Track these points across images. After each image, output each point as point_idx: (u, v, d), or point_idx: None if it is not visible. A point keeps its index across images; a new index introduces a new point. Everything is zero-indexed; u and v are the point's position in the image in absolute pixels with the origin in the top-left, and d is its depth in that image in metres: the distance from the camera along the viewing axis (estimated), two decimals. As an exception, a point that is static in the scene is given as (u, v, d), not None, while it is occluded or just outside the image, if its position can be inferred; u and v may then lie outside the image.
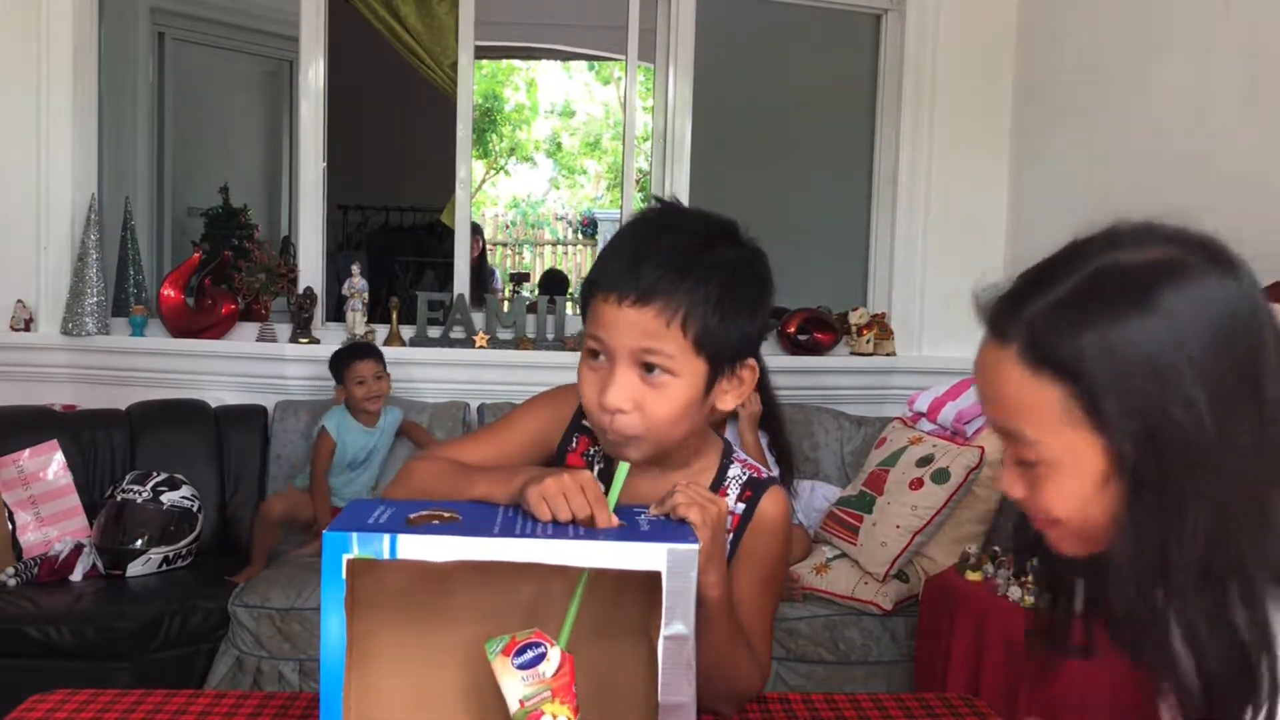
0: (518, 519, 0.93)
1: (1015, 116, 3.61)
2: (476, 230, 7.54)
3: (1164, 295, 0.79)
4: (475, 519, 0.93)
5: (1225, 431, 0.74)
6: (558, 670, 0.89)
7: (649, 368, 1.04)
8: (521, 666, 0.88)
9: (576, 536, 0.89)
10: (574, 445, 1.20)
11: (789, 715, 1.17)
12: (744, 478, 1.17)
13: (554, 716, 0.88)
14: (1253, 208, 2.50)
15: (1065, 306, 0.82)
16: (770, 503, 1.15)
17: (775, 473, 2.94)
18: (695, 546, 0.88)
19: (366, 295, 3.38)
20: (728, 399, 1.09)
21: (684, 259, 1.05)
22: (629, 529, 0.92)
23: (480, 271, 6.44)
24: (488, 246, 10.25)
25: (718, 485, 1.15)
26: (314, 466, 3.00)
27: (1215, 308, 0.78)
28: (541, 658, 0.89)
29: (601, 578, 0.93)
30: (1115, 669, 1.93)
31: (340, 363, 3.05)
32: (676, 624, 0.88)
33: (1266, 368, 0.76)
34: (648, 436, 1.05)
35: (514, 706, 0.88)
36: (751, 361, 1.10)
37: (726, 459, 1.17)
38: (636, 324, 1.02)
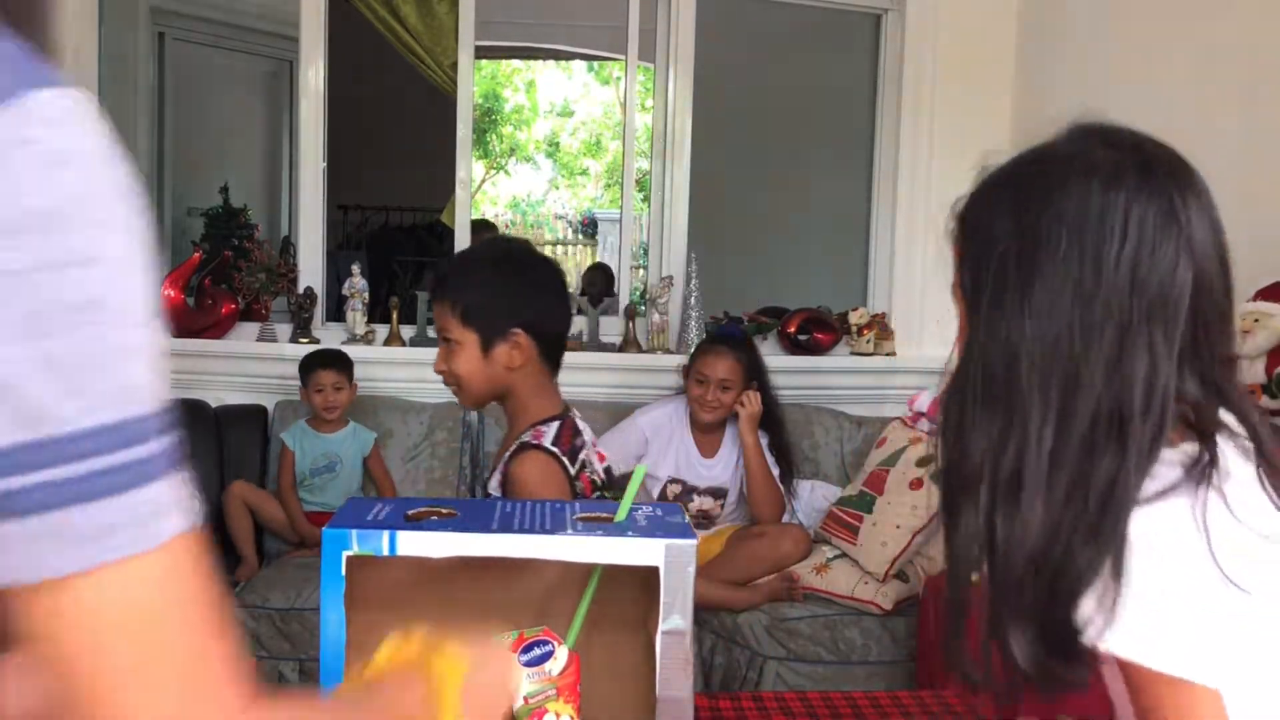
0: (516, 514, 0.93)
1: (1015, 116, 3.61)
2: (490, 229, 7.55)
3: (1051, 195, 0.90)
4: (474, 515, 0.93)
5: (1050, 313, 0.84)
6: (564, 669, 0.89)
7: (446, 340, 1.57)
8: (528, 663, 0.89)
9: (575, 532, 0.89)
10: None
11: (788, 715, 1.17)
12: (519, 442, 1.54)
13: (557, 715, 0.88)
14: (1253, 208, 2.50)
15: (981, 188, 1.01)
16: (516, 465, 1.51)
17: (776, 472, 2.96)
18: (693, 542, 0.88)
19: (367, 295, 3.38)
20: (513, 358, 1.55)
21: (453, 264, 1.72)
22: (628, 524, 0.92)
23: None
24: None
25: (512, 444, 1.57)
26: (279, 478, 3.05)
27: (1084, 207, 0.86)
28: (549, 655, 0.89)
29: (601, 572, 0.93)
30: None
31: (305, 368, 3.08)
32: (674, 618, 0.88)
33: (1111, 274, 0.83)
34: (462, 388, 1.59)
35: (517, 703, 0.88)
36: (517, 330, 1.54)
37: (533, 426, 1.55)
38: (438, 313, 1.59)
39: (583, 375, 3.17)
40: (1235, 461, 0.82)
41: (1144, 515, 0.78)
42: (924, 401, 3.07)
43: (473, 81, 3.54)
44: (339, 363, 3.08)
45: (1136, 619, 0.76)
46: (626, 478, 1.00)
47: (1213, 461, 0.79)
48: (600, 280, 5.68)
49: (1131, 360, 0.81)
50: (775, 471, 2.96)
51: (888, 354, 3.60)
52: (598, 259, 10.33)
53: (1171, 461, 0.80)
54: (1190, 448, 0.81)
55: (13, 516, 0.41)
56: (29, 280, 0.40)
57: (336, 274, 3.88)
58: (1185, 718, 0.77)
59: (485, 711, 0.70)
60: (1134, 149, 0.94)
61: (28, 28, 0.45)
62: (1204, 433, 0.82)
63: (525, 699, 0.88)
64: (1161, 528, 0.77)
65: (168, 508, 0.45)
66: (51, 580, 0.42)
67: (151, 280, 0.47)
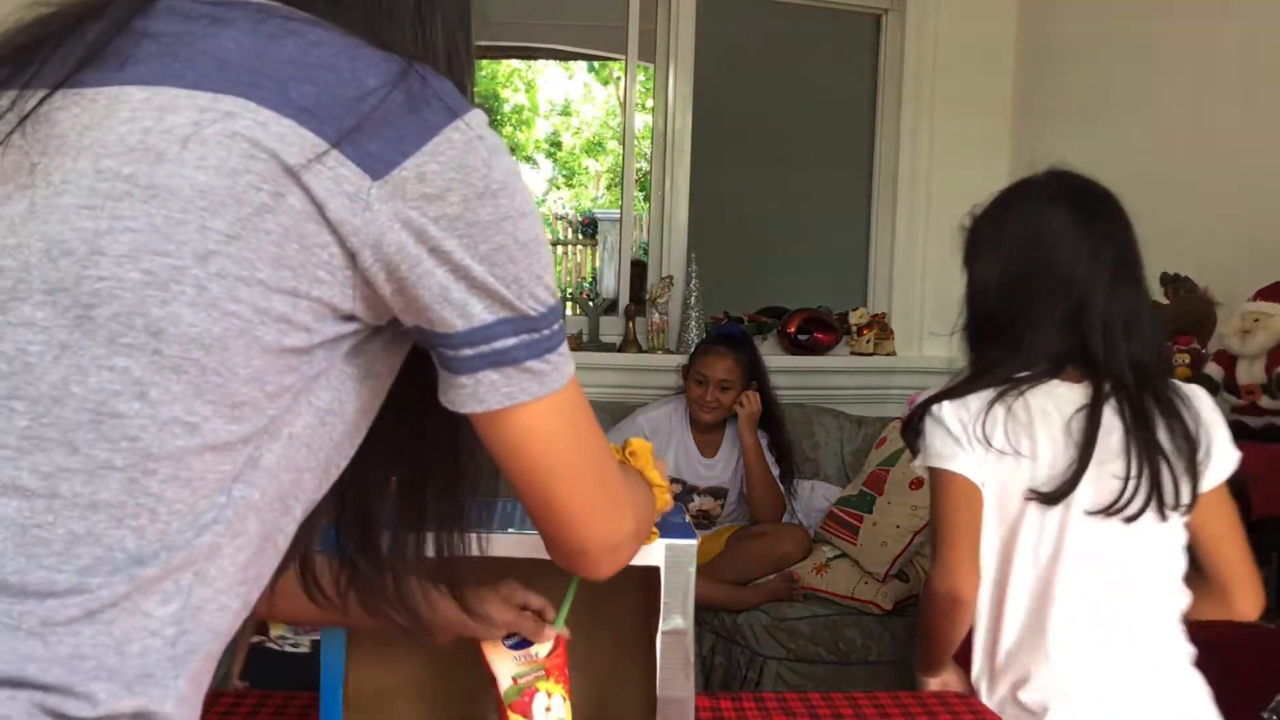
0: (516, 513, 0.93)
1: (1015, 116, 3.61)
2: None
3: (1012, 202, 1.45)
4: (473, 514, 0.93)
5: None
6: (551, 651, 0.90)
7: None
8: (514, 647, 0.89)
9: (575, 532, 0.89)
10: None
11: (788, 715, 1.17)
12: None
13: (548, 694, 0.89)
14: (1252, 208, 2.50)
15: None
16: None
17: (776, 472, 2.96)
18: (693, 542, 0.88)
19: (366, 295, 3.38)
20: None
21: None
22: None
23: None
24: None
25: None
26: None
27: (1028, 222, 1.40)
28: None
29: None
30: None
31: None
32: (674, 618, 0.88)
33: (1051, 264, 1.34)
34: None
35: (505, 684, 0.88)
36: None
37: None
38: None
39: (583, 375, 3.13)
40: (1064, 396, 1.30)
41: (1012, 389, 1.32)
42: (924, 401, 3.06)
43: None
44: None
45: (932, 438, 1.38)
46: None
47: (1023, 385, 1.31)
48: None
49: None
50: (775, 471, 2.96)
51: (888, 354, 3.60)
52: (598, 259, 10.34)
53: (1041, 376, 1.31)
54: (1072, 385, 1.31)
55: (505, 365, 0.64)
56: (499, 226, 0.62)
57: (336, 274, 3.87)
58: (940, 493, 1.40)
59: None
60: (1071, 185, 1.48)
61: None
62: (1069, 374, 1.32)
63: (514, 679, 0.88)
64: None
65: (567, 359, 0.68)
66: (524, 403, 0.65)
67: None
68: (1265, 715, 1.34)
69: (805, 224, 4.51)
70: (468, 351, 0.63)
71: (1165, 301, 2.36)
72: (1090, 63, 3.19)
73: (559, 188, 12.39)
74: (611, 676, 0.97)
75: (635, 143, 3.68)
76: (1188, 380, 2.17)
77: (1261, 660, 1.91)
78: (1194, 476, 1.26)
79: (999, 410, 1.29)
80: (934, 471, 1.38)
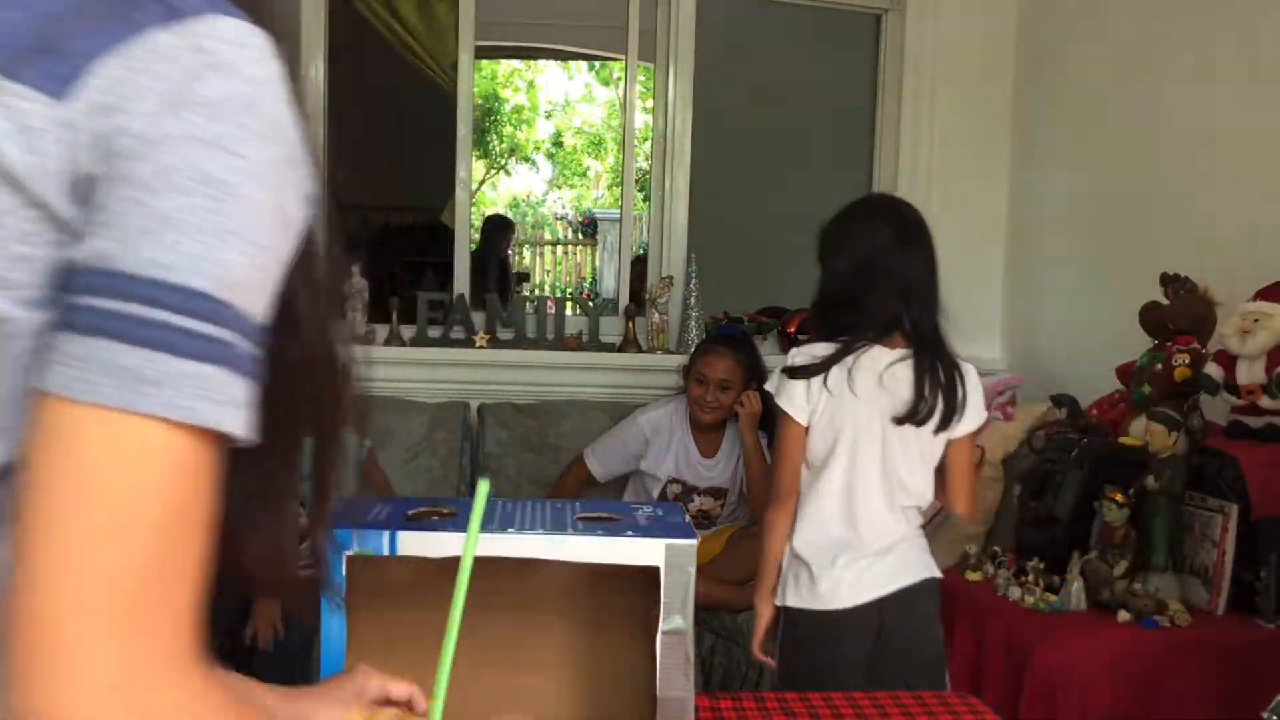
0: (517, 514, 0.94)
1: (1015, 116, 3.61)
2: (508, 226, 7.52)
3: (855, 216, 1.99)
4: (474, 515, 0.93)
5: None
6: None
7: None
8: None
9: (575, 532, 0.89)
10: None
11: (788, 715, 1.17)
12: None
13: None
14: (1252, 208, 2.50)
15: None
16: None
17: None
18: (693, 542, 0.88)
19: (367, 295, 3.38)
20: None
21: None
22: (627, 524, 0.92)
23: (505, 267, 6.46)
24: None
25: None
26: None
27: (868, 228, 1.92)
28: None
29: (601, 572, 0.93)
30: (1115, 670, 1.93)
31: None
32: (675, 619, 0.88)
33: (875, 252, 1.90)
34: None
35: None
36: None
37: None
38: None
39: (583, 375, 3.17)
40: (880, 357, 1.80)
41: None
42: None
43: (473, 81, 3.54)
44: None
45: None
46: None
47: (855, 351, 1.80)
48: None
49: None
50: (775, 471, 2.96)
51: (888, 354, 3.60)
52: (598, 259, 10.34)
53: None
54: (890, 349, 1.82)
55: (74, 330, 0.45)
56: (174, 144, 0.46)
57: (336, 274, 3.87)
58: (784, 430, 1.84)
59: None
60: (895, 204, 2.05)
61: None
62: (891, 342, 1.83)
63: None
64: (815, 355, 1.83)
65: (215, 398, 0.46)
66: (82, 403, 0.44)
67: (290, 229, 0.52)
68: (1265, 715, 1.35)
69: (805, 224, 4.50)
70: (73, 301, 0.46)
71: (1165, 301, 2.36)
72: (1090, 63, 3.18)
73: (559, 188, 12.39)
74: (611, 676, 0.97)
75: (635, 143, 3.68)
76: (1187, 380, 2.18)
77: (1262, 660, 1.91)
78: (954, 410, 1.80)
79: (839, 368, 1.81)
80: (784, 415, 1.84)
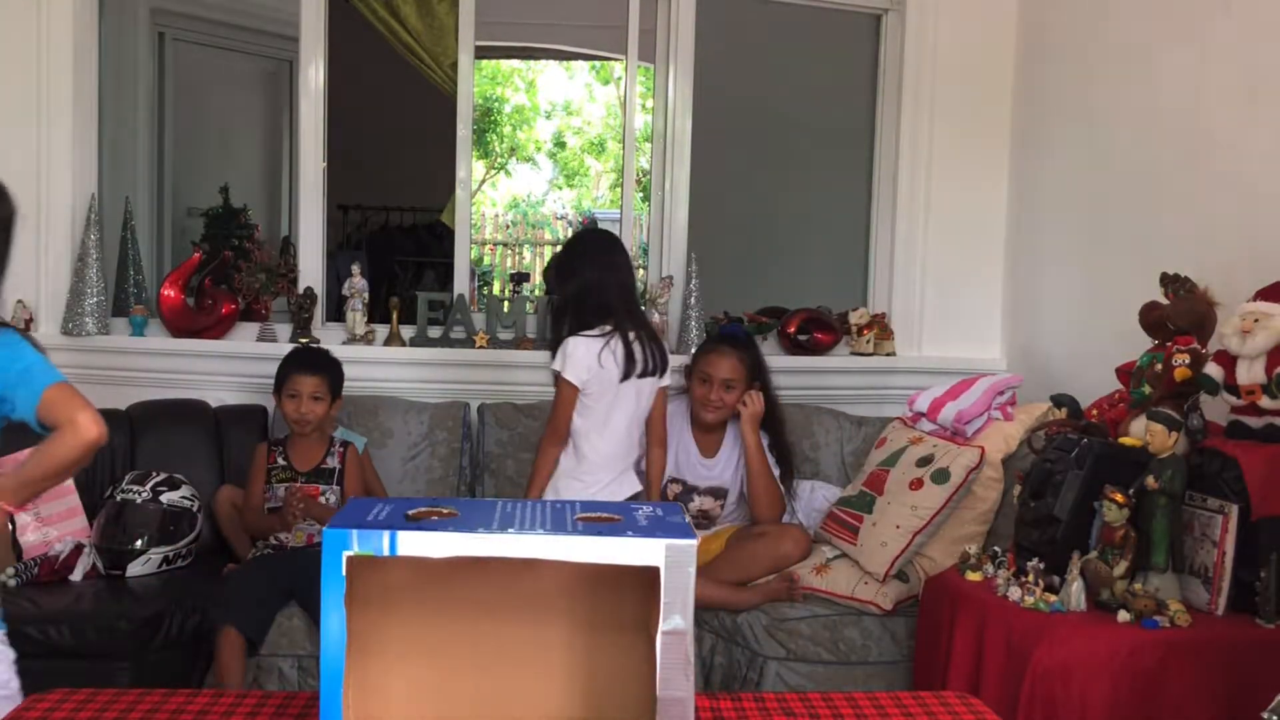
0: (516, 514, 0.93)
1: (1015, 116, 3.61)
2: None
3: (583, 245, 2.82)
4: (474, 515, 0.93)
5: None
6: None
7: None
8: None
9: (575, 532, 0.89)
10: None
11: (788, 715, 1.17)
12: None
13: None
14: (1252, 208, 2.50)
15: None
16: None
17: (776, 473, 2.96)
18: (693, 542, 0.88)
19: (367, 295, 3.38)
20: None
21: None
22: (627, 524, 0.92)
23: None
24: (486, 246, 10.24)
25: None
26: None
27: (592, 253, 2.71)
28: None
29: (601, 572, 0.92)
30: (1115, 670, 1.93)
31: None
32: (675, 619, 0.88)
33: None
34: None
35: None
36: None
37: None
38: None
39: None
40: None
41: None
42: (924, 401, 3.07)
43: (473, 81, 3.54)
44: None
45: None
46: None
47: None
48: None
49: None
50: (776, 472, 2.96)
51: (888, 354, 3.60)
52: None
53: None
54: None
55: None
56: None
57: (336, 274, 3.88)
58: (561, 390, 2.59)
59: None
60: (605, 234, 2.90)
61: None
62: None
63: None
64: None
65: None
66: None
67: None
68: (1265, 715, 1.35)
69: (805, 224, 4.51)
70: None
71: (1165, 301, 2.36)
72: (1090, 62, 3.18)
73: (560, 188, 12.39)
74: (611, 676, 0.97)
75: (635, 143, 3.68)
76: (1187, 380, 2.17)
77: (1262, 660, 1.91)
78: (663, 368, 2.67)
79: (594, 345, 2.55)
80: (560, 376, 2.56)
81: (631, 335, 2.58)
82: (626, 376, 2.58)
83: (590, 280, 2.58)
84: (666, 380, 2.70)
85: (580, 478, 2.62)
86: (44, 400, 1.43)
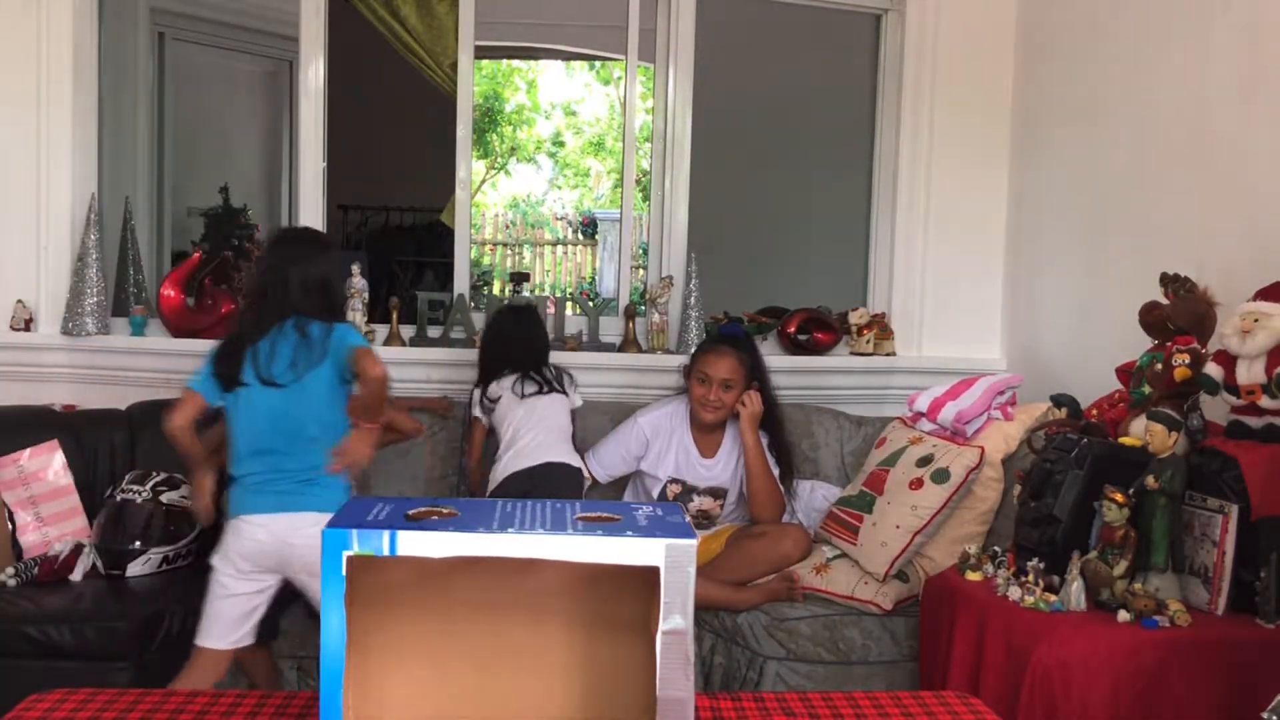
0: (516, 513, 0.93)
1: (1015, 117, 3.61)
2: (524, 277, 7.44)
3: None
4: (474, 515, 0.93)
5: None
6: None
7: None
8: None
9: (575, 532, 0.89)
10: None
11: (788, 715, 1.17)
12: None
13: None
14: (1252, 208, 2.50)
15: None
16: None
17: (776, 473, 2.96)
18: (693, 542, 0.88)
19: (366, 295, 3.38)
20: None
21: None
22: (627, 524, 0.92)
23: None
24: (486, 246, 10.24)
25: None
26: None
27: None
28: None
29: (601, 572, 0.92)
30: (1115, 670, 1.93)
31: None
32: (674, 618, 0.88)
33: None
34: None
35: None
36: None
37: None
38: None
39: (583, 375, 3.17)
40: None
41: None
42: (924, 401, 3.06)
43: (473, 81, 3.54)
44: None
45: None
46: None
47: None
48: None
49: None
50: (775, 472, 2.96)
51: (888, 354, 3.60)
52: (598, 259, 10.33)
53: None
54: None
55: None
56: None
57: (336, 274, 3.87)
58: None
59: None
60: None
61: None
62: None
63: None
64: None
65: None
66: None
67: None
68: (1265, 716, 1.35)
69: (805, 224, 4.51)
70: None
71: (1165, 301, 2.36)
72: (1090, 62, 3.18)
73: (560, 188, 12.39)
74: (611, 676, 0.97)
75: (635, 143, 3.68)
76: (1187, 380, 2.17)
77: (1262, 660, 1.91)
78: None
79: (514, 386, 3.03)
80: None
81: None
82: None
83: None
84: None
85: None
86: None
